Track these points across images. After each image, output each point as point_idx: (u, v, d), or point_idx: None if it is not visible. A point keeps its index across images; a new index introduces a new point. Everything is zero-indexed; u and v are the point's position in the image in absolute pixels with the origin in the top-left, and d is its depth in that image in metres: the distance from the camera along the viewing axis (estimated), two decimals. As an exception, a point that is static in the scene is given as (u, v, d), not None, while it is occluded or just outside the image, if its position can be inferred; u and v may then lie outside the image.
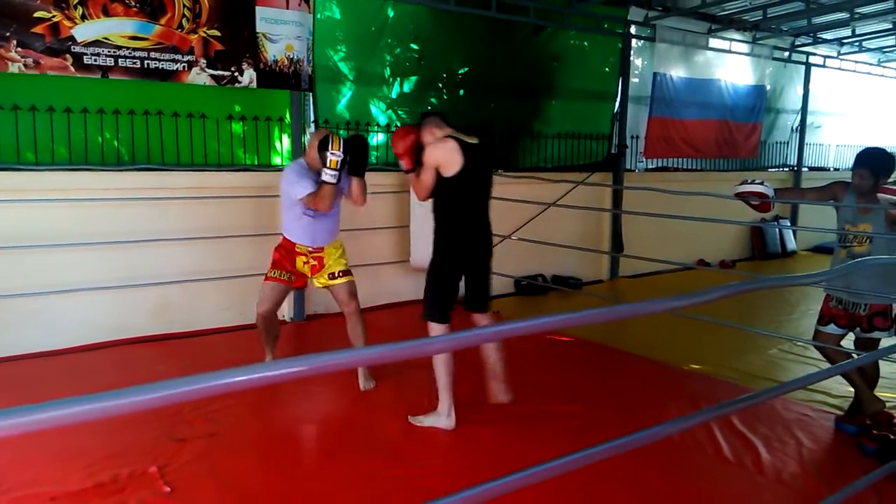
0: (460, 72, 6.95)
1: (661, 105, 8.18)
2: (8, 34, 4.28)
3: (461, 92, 6.97)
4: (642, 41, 8.20)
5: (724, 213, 5.83)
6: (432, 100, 6.77)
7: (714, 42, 8.67)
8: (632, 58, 8.10)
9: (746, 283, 1.67)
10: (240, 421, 3.66)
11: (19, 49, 4.33)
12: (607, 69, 7.99)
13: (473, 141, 3.75)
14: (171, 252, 5.12)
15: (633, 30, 8.00)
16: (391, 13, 6.29)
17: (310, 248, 4.12)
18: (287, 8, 5.28)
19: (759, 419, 3.79)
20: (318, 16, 5.70)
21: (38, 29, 4.35)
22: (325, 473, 3.22)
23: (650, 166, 8.76)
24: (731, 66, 8.98)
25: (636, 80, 8.29)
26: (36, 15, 4.33)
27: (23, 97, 4.64)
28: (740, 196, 4.04)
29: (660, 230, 7.80)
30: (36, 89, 4.66)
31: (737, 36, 8.95)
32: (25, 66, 4.36)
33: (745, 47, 9.07)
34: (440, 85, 6.85)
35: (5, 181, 4.51)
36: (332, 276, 4.15)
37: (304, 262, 4.15)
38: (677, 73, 8.30)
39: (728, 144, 9.17)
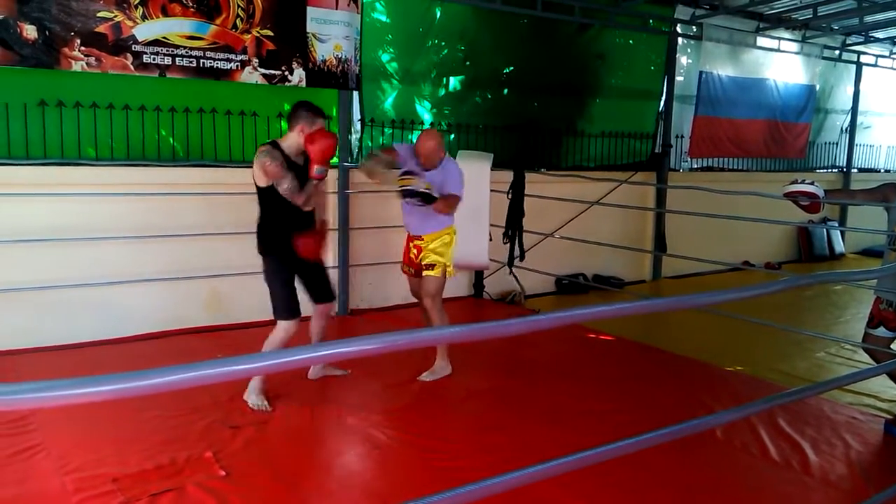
0: (505, 71, 6.99)
1: (707, 104, 8.10)
2: (72, 34, 4.46)
3: (505, 91, 7.01)
4: (688, 39, 8.12)
5: (770, 214, 5.77)
6: (476, 99, 6.83)
7: (762, 41, 8.55)
8: (677, 56, 8.04)
9: (798, 279, 1.69)
10: (289, 410, 3.77)
11: (82, 48, 4.50)
12: (652, 67, 7.94)
13: None
14: (221, 246, 5.26)
15: (679, 28, 7.93)
16: (438, 13, 6.36)
17: (412, 235, 4.33)
18: (336, 8, 5.39)
19: (807, 421, 3.76)
20: (367, 17, 5.80)
21: (101, 29, 4.53)
22: (370, 463, 3.31)
23: (695, 166, 8.68)
24: (779, 65, 8.84)
25: (681, 78, 8.22)
26: (99, 15, 4.50)
27: (85, 95, 4.82)
28: (790, 196, 4.01)
29: (704, 231, 7.73)
30: (97, 87, 4.84)
31: (786, 34, 8.81)
32: (88, 64, 4.54)
33: (794, 46, 8.92)
34: (485, 84, 6.90)
35: (68, 175, 4.71)
36: (421, 268, 4.31)
37: (411, 250, 4.35)
38: (724, 71, 8.21)
39: (776, 144, 9.02)
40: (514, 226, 6.16)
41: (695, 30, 7.99)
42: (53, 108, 4.73)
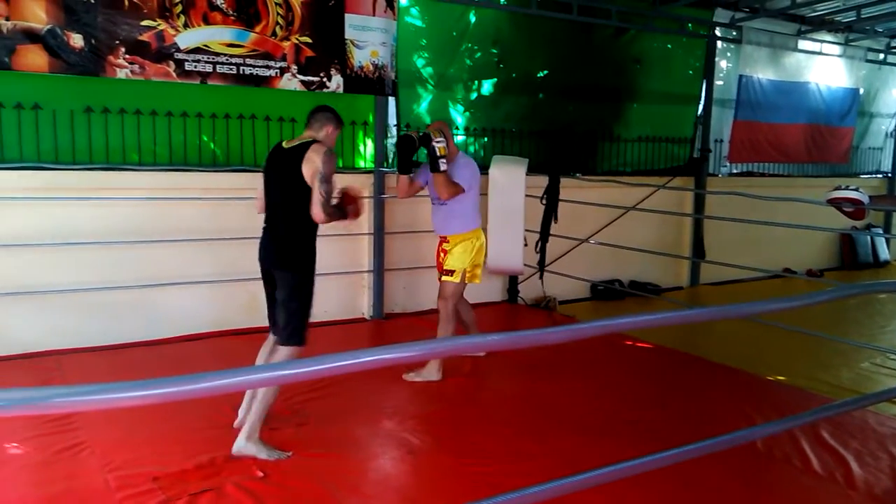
0: (539, 75, 6.97)
1: (747, 108, 7.97)
2: (117, 42, 4.57)
3: (540, 95, 6.99)
4: (727, 43, 8.01)
5: (812, 220, 5.64)
6: (511, 103, 6.82)
7: (804, 44, 8.39)
8: (716, 60, 7.92)
9: (847, 288, 1.65)
10: (325, 414, 3.79)
11: (127, 56, 4.62)
12: (691, 71, 7.84)
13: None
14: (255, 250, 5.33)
15: (718, 31, 7.82)
16: (472, 18, 6.38)
17: (439, 236, 4.43)
18: (374, 15, 5.44)
19: (851, 433, 3.67)
20: (401, 22, 5.84)
21: (145, 37, 4.64)
22: (405, 467, 3.32)
23: (734, 171, 8.54)
24: (821, 68, 8.66)
25: (721, 82, 8.10)
26: (143, 23, 4.61)
27: (129, 101, 4.94)
28: (833, 202, 3.91)
29: (743, 237, 7.60)
30: (140, 94, 4.96)
31: (828, 37, 8.63)
32: (132, 72, 4.65)
33: (837, 49, 8.73)
34: (519, 88, 6.89)
35: (113, 180, 4.82)
36: (442, 272, 4.38)
37: (440, 254, 4.44)
38: (765, 75, 8.07)
39: (818, 149, 8.83)
40: (545, 232, 6.14)
41: (734, 33, 7.88)
42: (99, 115, 4.86)
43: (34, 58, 4.36)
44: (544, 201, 6.07)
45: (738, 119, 7.92)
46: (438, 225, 4.42)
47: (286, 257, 3.34)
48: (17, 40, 4.29)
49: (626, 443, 3.49)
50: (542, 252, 6.21)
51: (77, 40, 4.44)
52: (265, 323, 5.32)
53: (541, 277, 6.26)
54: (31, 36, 4.32)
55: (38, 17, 4.32)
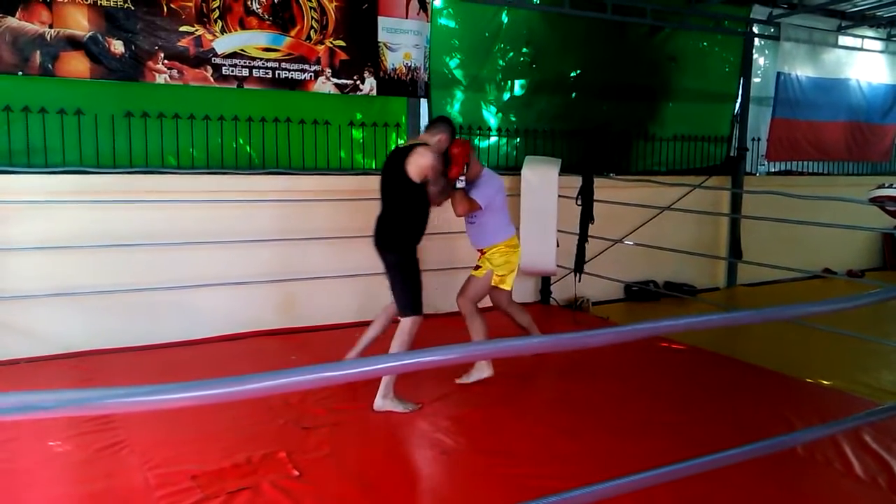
0: (572, 74, 6.93)
1: (786, 106, 7.82)
2: (156, 48, 4.67)
3: (573, 95, 6.96)
4: (765, 40, 7.87)
5: (852, 219, 5.51)
6: (544, 103, 6.80)
7: (844, 40, 8.20)
8: (754, 57, 7.79)
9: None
10: (359, 414, 3.83)
11: (166, 62, 4.72)
12: (727, 69, 7.73)
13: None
14: (295, 251, 5.40)
15: (755, 28, 7.70)
16: (505, 19, 6.37)
17: (476, 248, 4.52)
18: (407, 17, 5.47)
19: (894, 437, 3.58)
20: (435, 23, 5.86)
21: (183, 43, 4.73)
22: (440, 467, 3.33)
23: (772, 169, 8.38)
24: (863, 64, 8.45)
25: (758, 80, 7.97)
26: (181, 29, 4.71)
27: (167, 106, 5.04)
28: (875, 201, 3.84)
29: (781, 236, 7.46)
30: (178, 98, 5.05)
31: (870, 32, 8.42)
32: (171, 77, 4.75)
33: (878, 45, 8.52)
34: (552, 88, 6.86)
35: (152, 183, 4.93)
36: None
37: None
38: (803, 72, 7.90)
39: (858, 147, 8.63)
40: (583, 232, 6.09)
41: (772, 30, 7.73)
42: (138, 119, 4.97)
43: (76, 64, 4.48)
44: (579, 202, 6.03)
45: (776, 117, 7.78)
46: (472, 238, 4.52)
47: (385, 240, 3.92)
48: (60, 47, 4.41)
49: (662, 446, 3.45)
50: (581, 253, 6.14)
51: (118, 46, 4.55)
52: (300, 323, 5.46)
53: (578, 279, 6.21)
54: (74, 43, 4.44)
55: (80, 24, 4.44)
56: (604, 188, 6.22)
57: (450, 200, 4.26)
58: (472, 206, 4.27)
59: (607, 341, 1.22)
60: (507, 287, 4.49)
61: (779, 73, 7.73)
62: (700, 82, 7.63)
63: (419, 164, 3.75)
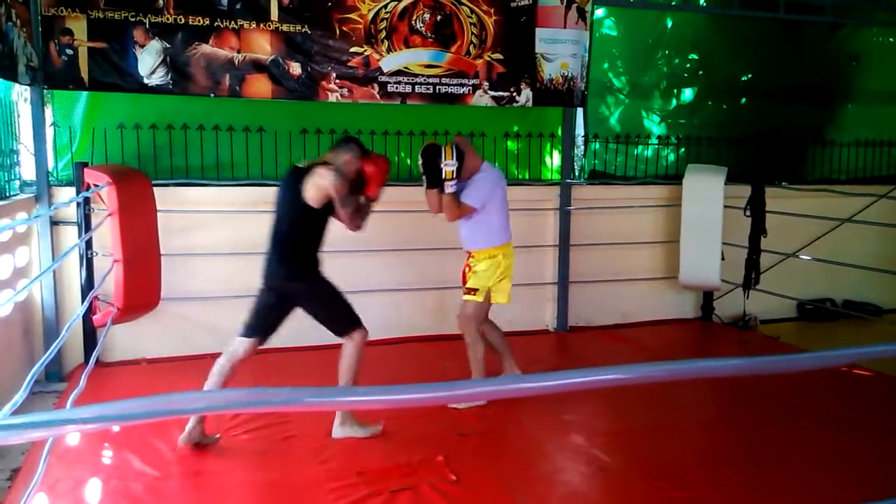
0: (743, 78, 6.59)
1: None
2: (329, 68, 4.99)
3: (743, 100, 6.61)
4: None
5: None
6: (710, 109, 6.51)
7: None
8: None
9: None
10: (509, 423, 3.84)
11: (337, 81, 5.02)
12: (920, 67, 7.01)
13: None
14: (449, 260, 5.52)
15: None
16: (669, 23, 6.18)
17: (466, 250, 4.19)
18: (565, 27, 5.44)
19: None
20: (595, 33, 5.79)
21: (353, 63, 5.02)
22: (596, 484, 3.28)
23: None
24: None
25: (958, 77, 7.14)
26: (351, 50, 5.00)
27: (338, 122, 5.36)
28: None
29: None
30: (348, 115, 5.37)
31: None
32: (341, 95, 5.05)
33: None
34: (719, 93, 6.56)
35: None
36: (465, 290, 4.15)
37: (465, 269, 4.19)
38: None
39: None
40: (754, 245, 5.72)
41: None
42: (312, 135, 5.33)
43: (259, 86, 4.89)
44: (748, 213, 5.69)
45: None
46: (463, 238, 4.17)
47: (289, 271, 3.56)
48: (246, 70, 4.83)
49: (839, 481, 3.18)
50: (753, 268, 5.77)
51: (296, 68, 4.91)
52: (450, 330, 5.56)
53: (746, 295, 5.85)
54: (258, 66, 4.85)
55: (264, 49, 4.84)
56: (776, 198, 5.84)
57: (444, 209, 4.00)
58: (464, 211, 3.98)
59: (811, 366, 1.15)
60: (504, 301, 4.13)
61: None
62: (886, 82, 6.98)
63: (319, 186, 3.40)
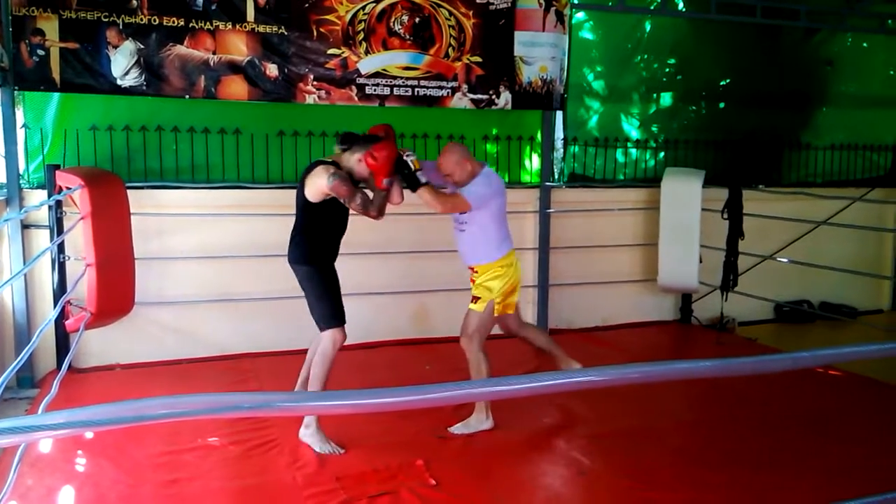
0: (721, 83, 6.65)
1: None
2: (306, 70, 4.94)
3: (721, 104, 6.67)
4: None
5: None
6: (689, 113, 6.56)
7: None
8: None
9: None
10: (496, 426, 3.82)
11: (314, 83, 4.98)
12: (892, 72, 7.12)
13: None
14: (430, 264, 5.50)
15: (926, 26, 7.03)
16: (648, 28, 6.21)
17: (467, 266, 3.92)
18: (543, 30, 5.45)
19: None
20: (574, 37, 5.80)
21: (331, 64, 4.98)
22: (576, 488, 3.27)
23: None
24: None
25: (929, 82, 7.26)
26: (329, 52, 4.95)
27: (315, 125, 5.32)
28: None
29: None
30: (325, 117, 5.32)
31: None
32: (319, 97, 5.01)
33: None
34: (698, 97, 6.62)
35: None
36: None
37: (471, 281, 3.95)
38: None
39: None
40: (732, 248, 5.75)
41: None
42: (289, 137, 5.27)
43: (235, 87, 4.83)
44: (725, 215, 5.73)
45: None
46: (463, 252, 3.87)
47: (292, 254, 3.69)
48: (221, 72, 4.77)
49: (816, 482, 3.19)
50: (729, 270, 5.80)
51: (272, 70, 4.86)
52: (430, 334, 5.55)
53: (724, 297, 5.87)
54: (234, 67, 4.79)
55: (240, 50, 4.78)
56: (753, 201, 5.88)
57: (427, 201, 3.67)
58: (458, 206, 3.65)
59: (783, 367, 1.14)
60: (511, 311, 3.91)
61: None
62: (860, 87, 7.08)
63: (314, 185, 3.49)
